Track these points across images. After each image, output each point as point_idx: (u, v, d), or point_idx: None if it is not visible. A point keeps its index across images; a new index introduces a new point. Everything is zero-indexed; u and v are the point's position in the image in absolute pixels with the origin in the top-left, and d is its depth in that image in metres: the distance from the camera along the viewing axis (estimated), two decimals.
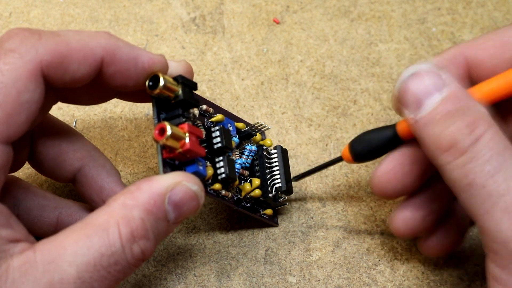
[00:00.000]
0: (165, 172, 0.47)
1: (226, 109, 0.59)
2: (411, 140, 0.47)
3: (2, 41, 0.44)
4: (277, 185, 0.54)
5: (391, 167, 0.49)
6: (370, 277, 0.54)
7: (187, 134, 0.47)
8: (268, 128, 0.55)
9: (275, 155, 0.54)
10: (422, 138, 0.44)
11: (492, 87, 0.46)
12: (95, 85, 0.47)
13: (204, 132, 0.51)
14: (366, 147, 0.49)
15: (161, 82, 0.47)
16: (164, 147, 0.47)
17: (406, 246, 0.55)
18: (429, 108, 0.44)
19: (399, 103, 0.45)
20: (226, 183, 0.51)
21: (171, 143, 0.46)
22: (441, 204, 0.50)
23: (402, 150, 0.49)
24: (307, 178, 0.57)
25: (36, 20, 0.62)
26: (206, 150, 0.51)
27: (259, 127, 0.54)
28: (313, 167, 0.54)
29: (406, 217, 0.49)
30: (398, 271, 0.54)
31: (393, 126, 0.48)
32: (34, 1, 0.62)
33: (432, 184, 0.50)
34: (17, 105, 0.43)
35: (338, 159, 0.51)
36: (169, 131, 0.46)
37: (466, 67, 0.48)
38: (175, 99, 0.48)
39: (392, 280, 0.54)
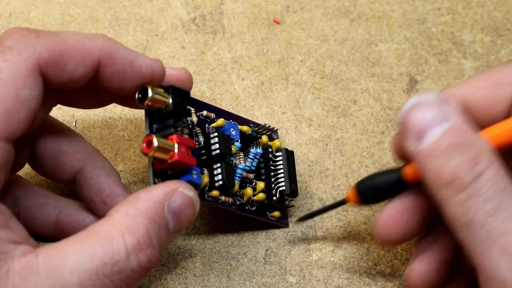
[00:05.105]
0: (155, 183, 0.47)
1: (226, 109, 0.59)
2: (416, 184, 0.47)
3: (1, 39, 0.44)
4: (281, 188, 0.54)
5: (393, 214, 0.48)
6: (370, 277, 0.54)
7: (176, 145, 0.47)
8: (276, 130, 0.55)
9: (280, 158, 0.54)
10: (424, 170, 0.43)
11: (499, 132, 0.45)
12: (93, 88, 0.47)
13: (200, 140, 0.51)
14: (372, 191, 0.49)
15: (149, 94, 0.47)
16: (155, 159, 0.47)
17: (406, 247, 0.55)
18: (430, 141, 0.43)
19: (402, 131, 0.45)
20: (224, 189, 0.51)
21: (159, 155, 0.46)
22: (453, 252, 0.49)
23: (403, 197, 0.48)
24: (307, 178, 0.57)
25: (36, 20, 0.62)
26: (203, 158, 0.51)
27: (269, 128, 0.54)
28: (317, 209, 0.54)
29: (420, 271, 0.48)
30: (398, 271, 0.54)
31: (398, 170, 0.48)
32: (34, 1, 0.62)
33: (440, 233, 0.49)
34: (17, 102, 0.43)
35: (342, 202, 0.51)
36: (155, 143, 0.46)
37: (462, 107, 0.47)
38: (166, 109, 0.48)
39: (392, 280, 0.54)
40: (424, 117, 0.44)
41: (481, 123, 0.46)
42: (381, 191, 0.49)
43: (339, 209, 0.56)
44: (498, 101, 0.47)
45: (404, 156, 0.49)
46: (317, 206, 0.56)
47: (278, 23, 0.63)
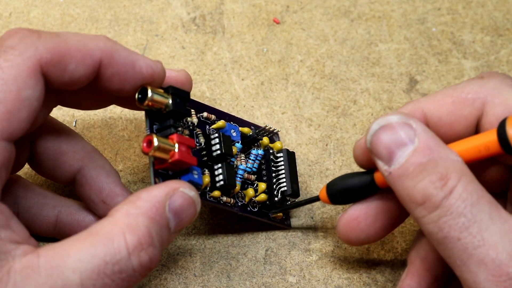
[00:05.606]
0: (156, 183, 0.47)
1: (226, 109, 0.59)
2: (388, 188, 0.47)
3: (3, 39, 0.44)
4: (282, 189, 0.54)
5: (355, 216, 0.49)
6: (370, 277, 0.54)
7: (176, 145, 0.47)
8: (277, 132, 0.55)
9: (281, 159, 0.54)
10: (397, 191, 0.44)
11: (465, 148, 0.45)
12: (94, 89, 0.47)
13: (201, 141, 0.51)
14: (342, 192, 0.49)
15: (149, 94, 0.47)
16: (156, 159, 0.47)
17: (406, 246, 0.55)
18: (401, 160, 0.43)
19: (372, 154, 0.45)
20: (225, 190, 0.51)
21: (159, 154, 0.47)
22: (444, 268, 0.49)
23: (370, 201, 0.49)
24: (307, 178, 0.57)
25: (36, 20, 0.62)
26: (204, 159, 0.51)
27: (269, 130, 0.54)
28: (291, 204, 0.54)
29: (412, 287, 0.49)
30: (398, 271, 0.54)
31: (371, 173, 0.48)
32: (34, 1, 0.62)
33: (432, 248, 0.49)
34: (18, 101, 0.43)
35: (315, 199, 0.51)
36: (155, 142, 0.46)
37: (424, 122, 0.48)
38: (166, 109, 0.48)
39: (392, 280, 0.54)
40: (391, 139, 0.44)
41: (444, 138, 0.46)
42: (352, 193, 0.49)
43: (340, 208, 0.56)
44: (462, 118, 0.47)
45: (364, 165, 0.49)
46: (317, 205, 0.56)
47: (278, 23, 0.63)
